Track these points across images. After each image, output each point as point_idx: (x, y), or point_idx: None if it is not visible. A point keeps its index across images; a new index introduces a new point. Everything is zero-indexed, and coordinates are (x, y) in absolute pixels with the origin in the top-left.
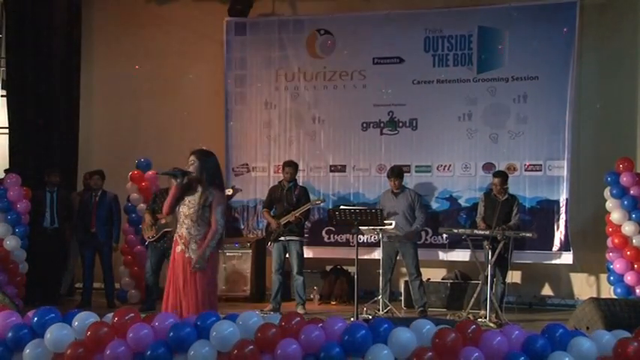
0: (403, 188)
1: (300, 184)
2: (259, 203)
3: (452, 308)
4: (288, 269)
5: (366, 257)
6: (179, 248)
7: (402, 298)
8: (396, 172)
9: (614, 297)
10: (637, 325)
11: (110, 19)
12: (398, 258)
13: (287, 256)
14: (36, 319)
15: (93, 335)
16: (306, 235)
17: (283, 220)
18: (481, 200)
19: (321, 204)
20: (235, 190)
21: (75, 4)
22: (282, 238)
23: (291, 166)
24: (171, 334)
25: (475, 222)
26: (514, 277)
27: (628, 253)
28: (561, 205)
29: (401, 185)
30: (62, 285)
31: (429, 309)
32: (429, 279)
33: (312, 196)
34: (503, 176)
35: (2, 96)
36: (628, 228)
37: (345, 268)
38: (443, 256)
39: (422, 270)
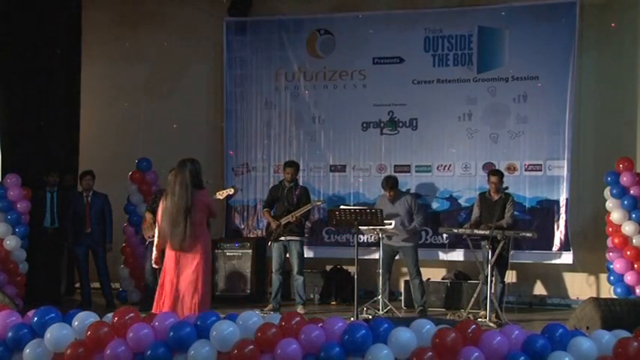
0: (400, 194)
1: (301, 184)
2: (259, 203)
3: (452, 308)
4: (288, 269)
5: (366, 257)
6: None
7: (402, 298)
8: (391, 184)
9: (614, 297)
10: (637, 325)
11: (110, 18)
12: (397, 258)
13: (287, 255)
14: (36, 319)
15: (93, 335)
16: (306, 235)
17: (284, 220)
18: (476, 201)
19: (322, 205)
20: (235, 190)
21: (75, 4)
22: (282, 238)
23: (292, 166)
24: (171, 334)
25: (470, 223)
26: (514, 276)
27: (628, 253)
28: (561, 205)
29: (396, 194)
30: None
31: (429, 309)
32: (429, 279)
33: (312, 196)
34: (500, 175)
35: None
36: (628, 228)
37: (345, 268)
38: (443, 256)
39: (422, 270)
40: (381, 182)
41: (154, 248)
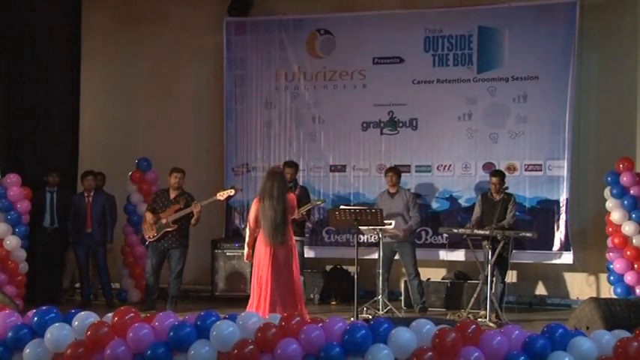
0: (399, 188)
1: (301, 184)
2: None
3: (452, 308)
4: None
5: (366, 257)
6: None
7: (402, 297)
8: (394, 168)
9: (614, 297)
10: (637, 325)
11: (110, 18)
12: (395, 258)
13: None
14: (36, 319)
15: (93, 335)
16: (306, 235)
17: None
18: (478, 201)
19: (322, 204)
20: (236, 191)
21: (75, 4)
22: None
23: (292, 167)
24: (171, 334)
25: (471, 222)
26: (514, 276)
27: (628, 253)
28: (561, 205)
29: (398, 183)
30: (63, 283)
31: (429, 309)
32: (429, 279)
33: (312, 196)
34: (501, 175)
35: None
36: (628, 228)
37: (345, 268)
38: (443, 255)
39: (422, 270)
40: (384, 171)
41: (245, 245)
